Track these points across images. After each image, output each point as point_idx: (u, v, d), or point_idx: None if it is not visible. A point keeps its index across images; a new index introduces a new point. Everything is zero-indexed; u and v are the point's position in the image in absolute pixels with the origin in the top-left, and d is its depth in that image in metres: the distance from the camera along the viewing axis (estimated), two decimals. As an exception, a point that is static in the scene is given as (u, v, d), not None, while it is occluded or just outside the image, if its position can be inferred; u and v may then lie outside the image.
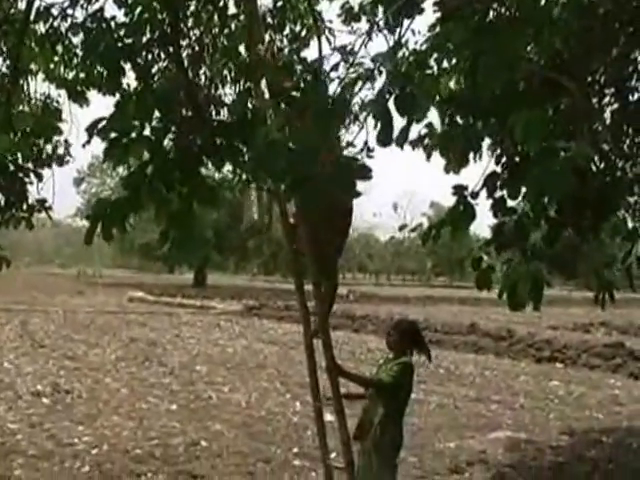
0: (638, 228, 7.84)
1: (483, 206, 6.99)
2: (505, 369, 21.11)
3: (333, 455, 7.67)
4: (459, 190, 6.30)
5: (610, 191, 7.47)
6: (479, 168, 6.73)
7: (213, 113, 6.95)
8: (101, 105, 6.99)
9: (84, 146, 6.35)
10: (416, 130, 6.89)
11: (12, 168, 9.26)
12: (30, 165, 9.73)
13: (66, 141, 10.38)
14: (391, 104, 4.83)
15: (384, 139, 4.90)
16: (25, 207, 9.53)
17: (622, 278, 8.19)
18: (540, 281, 5.05)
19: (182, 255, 5.50)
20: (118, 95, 8.51)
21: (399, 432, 7.08)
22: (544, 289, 5.02)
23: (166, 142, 5.50)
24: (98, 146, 5.79)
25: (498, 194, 7.03)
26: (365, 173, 4.80)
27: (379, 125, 4.87)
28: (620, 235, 7.79)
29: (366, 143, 5.90)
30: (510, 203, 7.13)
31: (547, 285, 5.13)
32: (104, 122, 5.56)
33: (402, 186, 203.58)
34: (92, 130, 5.67)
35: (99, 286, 61.25)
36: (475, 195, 6.36)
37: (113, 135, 5.48)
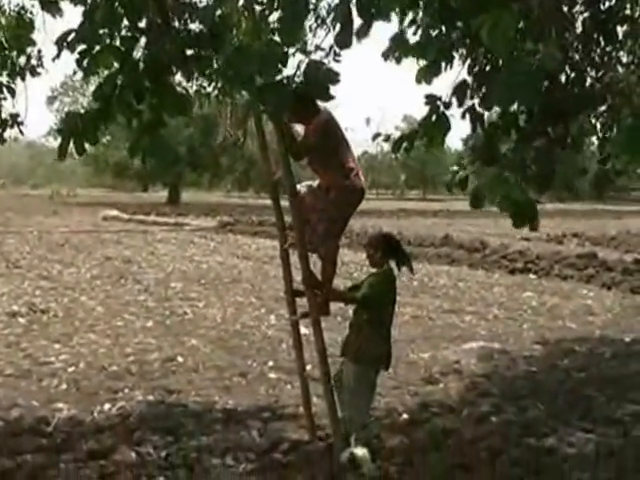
0: (608, 137, 7.85)
1: (458, 119, 6.96)
2: (479, 280, 21.24)
3: (309, 367, 7.75)
4: (431, 100, 6.25)
5: (580, 100, 7.45)
6: (451, 81, 6.66)
7: (187, 21, 6.85)
8: (75, 16, 6.85)
9: (54, 60, 6.26)
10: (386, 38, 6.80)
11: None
12: (4, 79, 9.62)
13: (39, 51, 10.22)
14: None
15: (343, 41, 4.84)
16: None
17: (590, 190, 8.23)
18: (530, 203, 5.06)
19: (154, 165, 5.47)
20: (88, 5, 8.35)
21: (383, 346, 7.16)
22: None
23: (136, 53, 5.42)
24: (71, 64, 5.69)
25: (469, 103, 6.98)
26: (333, 76, 4.76)
27: (338, 27, 4.81)
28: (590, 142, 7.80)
29: (332, 47, 5.84)
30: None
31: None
32: (73, 34, 5.47)
33: (375, 101, 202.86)
34: (62, 42, 5.57)
35: (73, 206, 60.82)
36: (448, 105, 6.31)
37: (82, 47, 5.40)
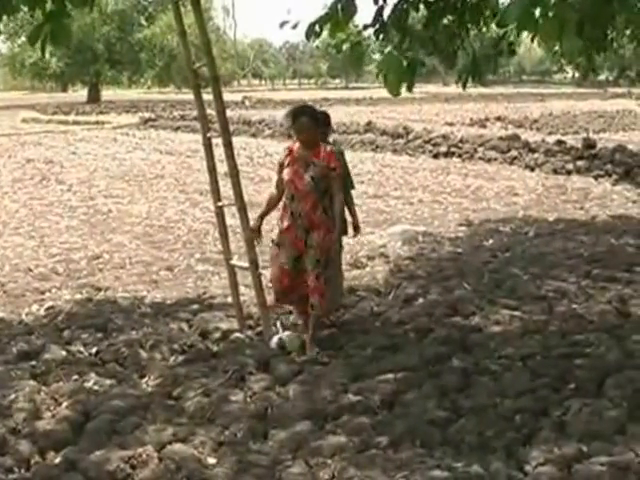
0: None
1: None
2: (403, 166, 21.35)
3: (235, 257, 7.78)
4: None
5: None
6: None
7: None
8: None
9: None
10: None
11: None
12: None
13: None
14: None
15: None
16: None
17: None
18: (413, 62, 5.07)
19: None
20: None
21: None
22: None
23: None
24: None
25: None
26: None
27: None
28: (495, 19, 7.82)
29: None
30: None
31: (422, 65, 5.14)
32: None
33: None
34: None
35: (-10, 110, 59.52)
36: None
37: None
